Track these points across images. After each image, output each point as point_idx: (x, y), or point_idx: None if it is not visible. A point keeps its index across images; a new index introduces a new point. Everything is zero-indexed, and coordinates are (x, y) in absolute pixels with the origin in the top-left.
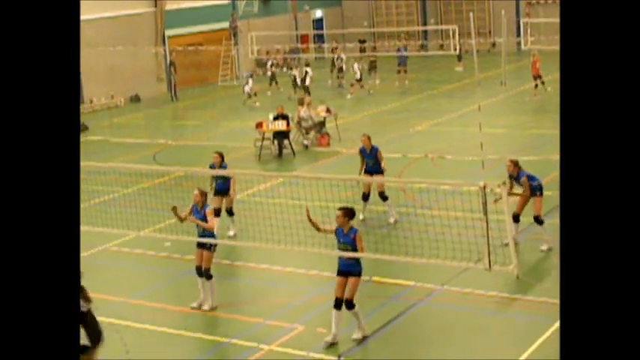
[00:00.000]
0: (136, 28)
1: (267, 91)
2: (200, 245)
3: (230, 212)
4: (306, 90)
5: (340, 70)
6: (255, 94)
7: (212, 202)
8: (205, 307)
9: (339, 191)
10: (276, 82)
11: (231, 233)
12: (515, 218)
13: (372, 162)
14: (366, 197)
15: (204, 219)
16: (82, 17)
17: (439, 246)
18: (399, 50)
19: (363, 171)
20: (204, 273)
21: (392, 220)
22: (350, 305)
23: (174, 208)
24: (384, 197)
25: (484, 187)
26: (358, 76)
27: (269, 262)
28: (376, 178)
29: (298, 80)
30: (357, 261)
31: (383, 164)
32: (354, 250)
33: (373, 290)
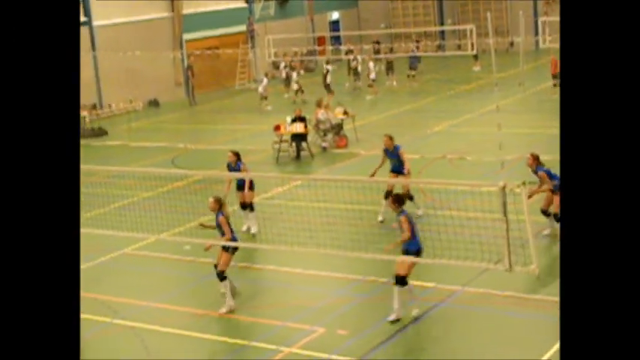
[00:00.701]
0: (154, 33)
1: (283, 93)
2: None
3: (251, 207)
4: (328, 88)
5: (355, 71)
6: (266, 98)
7: (238, 197)
8: (223, 310)
9: (358, 193)
10: (288, 85)
11: (253, 230)
12: (544, 213)
13: (396, 161)
14: (388, 195)
15: (219, 226)
16: (100, 22)
17: (459, 247)
18: (412, 51)
19: (378, 168)
20: (217, 274)
21: (420, 212)
22: (400, 281)
23: (201, 225)
24: (409, 197)
25: (504, 188)
26: (373, 76)
27: (289, 264)
28: (399, 180)
29: (295, 85)
30: (412, 241)
31: (406, 167)
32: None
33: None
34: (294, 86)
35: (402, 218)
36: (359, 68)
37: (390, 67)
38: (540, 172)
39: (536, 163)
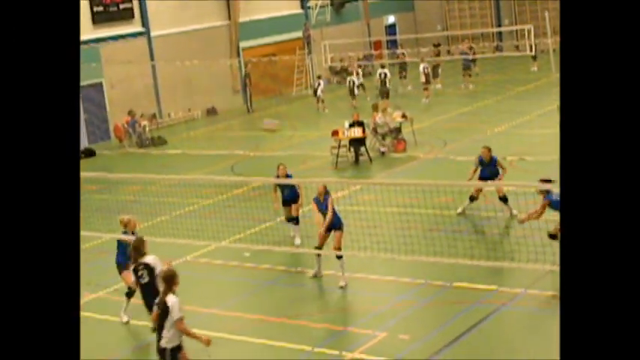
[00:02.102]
0: (211, 42)
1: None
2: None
3: (296, 221)
4: (386, 93)
5: (403, 77)
6: (322, 101)
7: (282, 212)
8: (343, 283)
9: (417, 197)
10: (359, 91)
11: (297, 242)
12: None
13: (489, 171)
14: (472, 199)
15: (326, 210)
16: (158, 33)
17: (521, 249)
18: (462, 54)
19: (475, 178)
20: (337, 257)
21: (514, 212)
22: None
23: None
24: (504, 199)
25: None
26: (423, 78)
27: (349, 269)
28: (464, 182)
29: (356, 90)
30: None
31: (501, 174)
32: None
33: (455, 295)
34: (356, 91)
35: (546, 202)
36: (386, 82)
37: (435, 70)
38: None
39: None
